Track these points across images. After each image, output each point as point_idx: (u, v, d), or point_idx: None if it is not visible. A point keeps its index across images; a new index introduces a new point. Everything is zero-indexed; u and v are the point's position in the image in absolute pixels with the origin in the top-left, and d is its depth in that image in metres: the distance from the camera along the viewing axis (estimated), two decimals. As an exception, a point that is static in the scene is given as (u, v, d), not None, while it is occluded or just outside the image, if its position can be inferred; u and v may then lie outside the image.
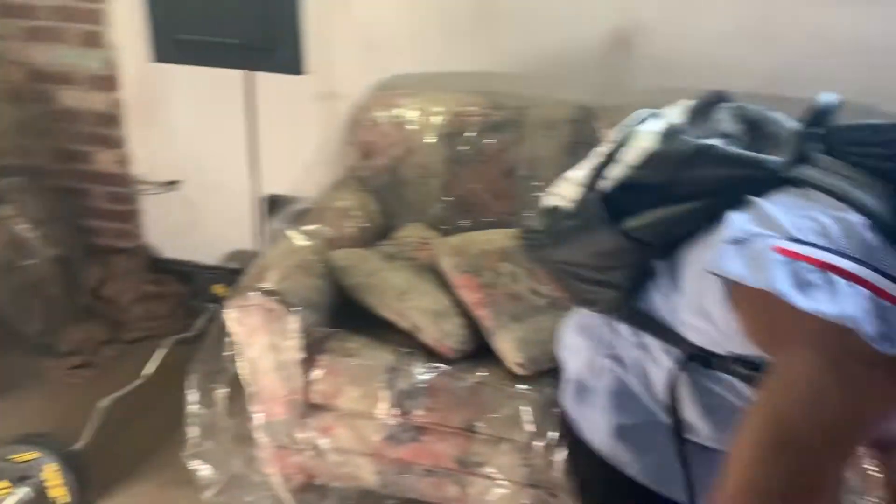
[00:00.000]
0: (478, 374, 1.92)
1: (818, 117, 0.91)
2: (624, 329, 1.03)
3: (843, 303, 0.68)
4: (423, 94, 2.44)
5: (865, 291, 0.69)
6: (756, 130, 0.93)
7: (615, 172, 0.96)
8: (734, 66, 2.30)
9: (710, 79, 2.28)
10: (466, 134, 2.34)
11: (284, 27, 2.60)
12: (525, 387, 1.88)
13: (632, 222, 0.92)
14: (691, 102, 0.98)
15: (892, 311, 0.68)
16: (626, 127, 1.00)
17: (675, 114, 0.98)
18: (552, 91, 2.45)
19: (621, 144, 0.97)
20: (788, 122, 0.94)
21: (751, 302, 0.79)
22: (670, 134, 0.93)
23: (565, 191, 1.04)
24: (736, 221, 0.80)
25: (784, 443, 0.71)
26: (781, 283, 0.71)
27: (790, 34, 2.25)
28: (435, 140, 2.36)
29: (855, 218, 0.75)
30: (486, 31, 2.47)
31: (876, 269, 0.70)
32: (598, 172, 0.98)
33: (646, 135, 0.96)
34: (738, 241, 0.78)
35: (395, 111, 2.41)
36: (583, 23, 2.39)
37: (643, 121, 0.99)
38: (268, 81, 2.69)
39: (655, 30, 2.34)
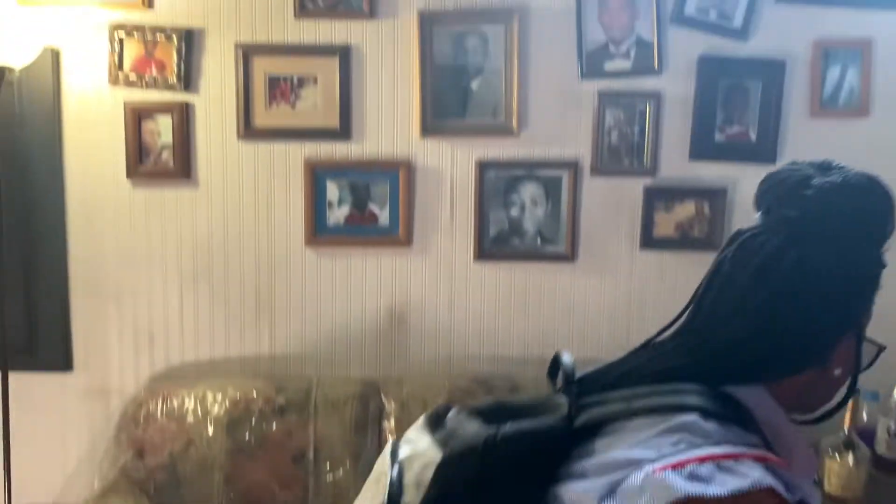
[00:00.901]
0: None
1: (568, 373, 0.94)
2: None
3: (747, 474, 0.74)
4: (203, 382, 2.37)
5: (750, 461, 0.75)
6: (500, 414, 0.92)
7: (410, 499, 0.89)
8: (494, 333, 2.51)
9: (475, 346, 2.50)
10: (249, 421, 2.28)
11: (50, 323, 2.48)
12: None
13: None
14: (423, 419, 0.98)
15: (773, 467, 0.76)
16: (389, 460, 0.95)
17: (418, 433, 0.96)
18: (337, 369, 2.50)
19: (399, 474, 0.92)
20: (535, 394, 0.97)
21: None
22: (445, 440, 0.91)
23: None
24: (587, 485, 0.80)
25: None
26: (687, 486, 0.73)
27: (541, 304, 2.51)
28: (215, 431, 2.27)
29: (686, 417, 0.80)
30: (266, 316, 2.52)
31: (735, 444, 0.78)
32: None
33: (421, 452, 0.92)
34: (611, 491, 0.77)
35: (172, 403, 2.30)
36: (360, 304, 2.51)
37: (399, 448, 0.96)
38: (28, 379, 2.49)
39: (425, 306, 2.51)
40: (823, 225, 0.87)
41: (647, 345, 0.95)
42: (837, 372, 0.90)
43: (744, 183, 2.45)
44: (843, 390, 0.94)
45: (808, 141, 2.45)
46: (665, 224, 2.46)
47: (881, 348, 0.94)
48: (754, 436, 0.81)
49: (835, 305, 0.87)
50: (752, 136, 2.44)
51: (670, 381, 0.85)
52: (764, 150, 2.43)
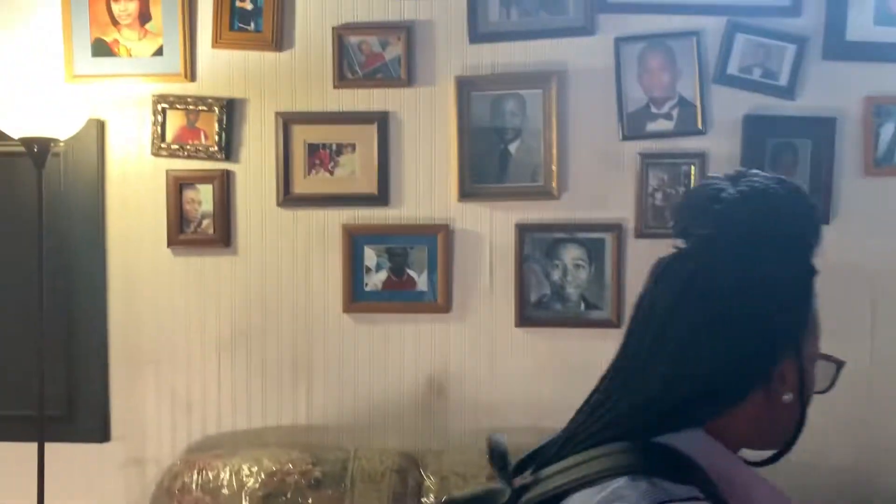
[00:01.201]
0: None
1: (500, 455, 0.91)
2: None
3: None
4: (239, 453, 2.32)
5: None
6: None
7: None
8: (538, 404, 2.40)
9: (518, 416, 2.40)
10: (285, 495, 2.21)
11: (89, 394, 2.47)
12: None
13: None
14: None
15: None
16: None
17: None
18: (374, 439, 2.43)
19: None
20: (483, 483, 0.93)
21: None
22: None
23: None
24: None
25: None
26: None
27: (587, 372, 2.40)
28: (250, 505, 2.20)
29: (616, 483, 0.74)
30: (303, 384, 2.47)
31: (670, 501, 0.71)
32: None
33: None
34: None
35: (207, 475, 2.25)
36: (399, 372, 2.45)
37: None
38: (65, 450, 2.46)
39: (465, 374, 2.43)
40: (736, 239, 0.80)
41: (587, 402, 0.88)
42: (787, 398, 0.80)
43: (796, 244, 2.35)
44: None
45: (863, 200, 2.35)
46: (714, 288, 2.36)
47: (839, 364, 0.86)
48: (691, 487, 0.74)
49: (761, 325, 0.79)
50: (804, 196, 2.35)
51: (605, 442, 0.80)
52: (816, 209, 2.33)
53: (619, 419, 0.81)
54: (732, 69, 2.35)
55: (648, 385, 0.81)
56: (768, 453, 0.85)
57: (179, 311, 2.48)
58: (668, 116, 2.37)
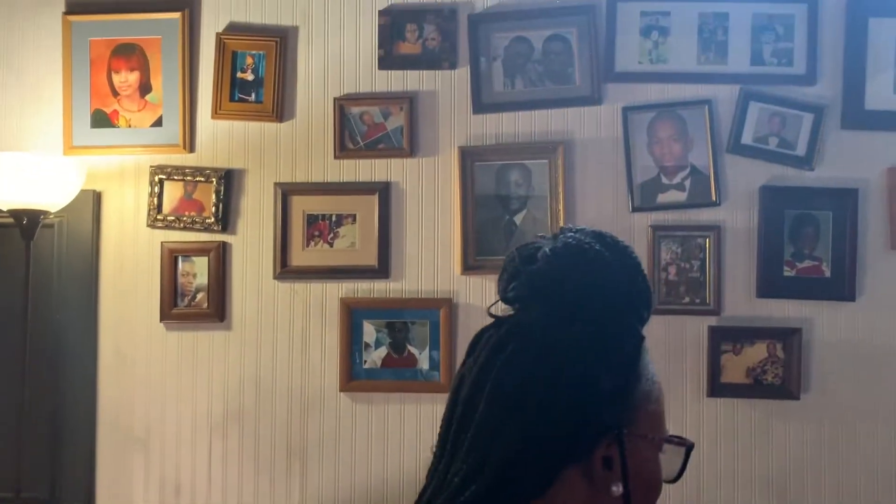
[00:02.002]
0: None
1: None
2: None
3: None
4: (227, 542, 2.18)
5: None
6: None
7: None
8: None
9: None
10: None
11: (74, 475, 2.35)
12: None
13: None
14: None
15: None
16: None
17: None
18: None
19: None
20: None
21: None
22: None
23: None
24: None
25: None
26: None
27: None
28: None
29: None
30: (297, 467, 2.34)
31: None
32: None
33: None
34: None
35: (189, 568, 2.11)
36: (398, 456, 2.32)
37: None
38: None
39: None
40: (546, 301, 0.71)
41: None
42: (616, 489, 0.68)
43: (820, 322, 2.22)
44: None
45: (889, 275, 2.22)
46: (734, 368, 2.22)
47: (689, 447, 0.73)
48: None
49: (564, 399, 0.67)
50: (827, 272, 2.22)
51: None
52: (840, 285, 2.21)
53: None
54: (747, 139, 2.26)
55: (453, 475, 0.70)
56: None
57: (171, 389, 2.37)
58: (680, 187, 2.27)
